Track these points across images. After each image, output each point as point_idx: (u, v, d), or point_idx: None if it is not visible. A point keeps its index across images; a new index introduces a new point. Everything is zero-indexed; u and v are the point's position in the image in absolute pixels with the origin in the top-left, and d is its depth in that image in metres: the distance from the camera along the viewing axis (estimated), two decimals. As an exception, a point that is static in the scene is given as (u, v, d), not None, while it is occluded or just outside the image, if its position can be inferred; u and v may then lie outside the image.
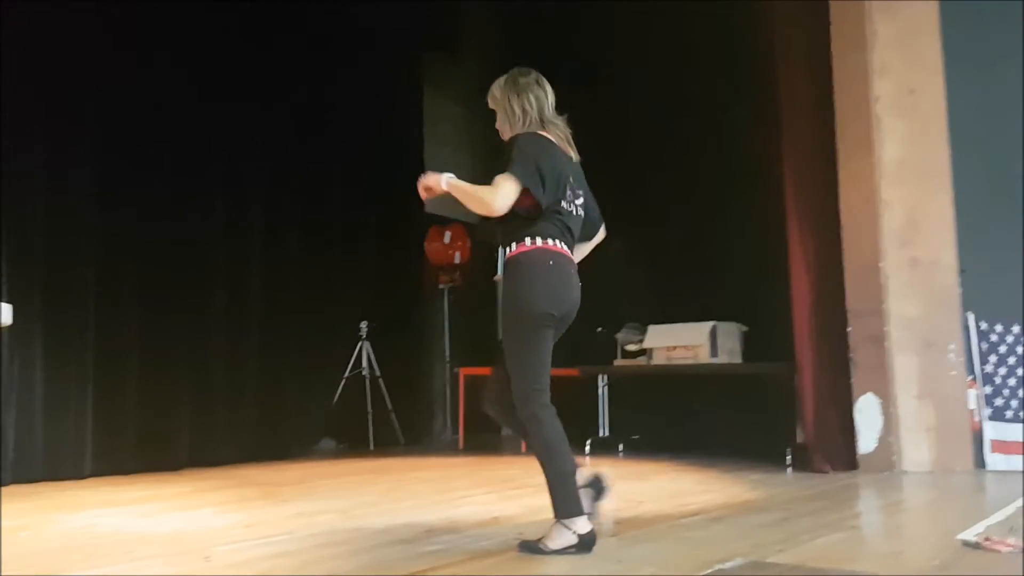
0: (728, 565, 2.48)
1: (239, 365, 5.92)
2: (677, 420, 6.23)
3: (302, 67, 6.43)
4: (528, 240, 2.70)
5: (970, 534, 2.85)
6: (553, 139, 2.79)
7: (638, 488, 4.38)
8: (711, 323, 5.73)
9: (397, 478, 5.03)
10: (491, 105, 2.91)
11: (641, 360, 6.14)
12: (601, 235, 3.03)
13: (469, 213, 2.97)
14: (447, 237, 8.07)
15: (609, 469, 5.26)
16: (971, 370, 4.83)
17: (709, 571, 2.42)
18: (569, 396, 6.92)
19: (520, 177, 2.65)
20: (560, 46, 7.06)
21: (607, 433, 6.36)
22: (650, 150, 6.55)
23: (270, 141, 6.23)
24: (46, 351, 4.80)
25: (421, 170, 7.99)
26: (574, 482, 2.65)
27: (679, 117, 6.36)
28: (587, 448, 6.17)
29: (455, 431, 7.64)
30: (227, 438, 5.73)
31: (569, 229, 2.79)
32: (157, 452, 5.24)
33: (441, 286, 8.19)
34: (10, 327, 4.56)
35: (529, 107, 2.79)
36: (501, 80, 2.88)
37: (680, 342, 5.80)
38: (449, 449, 6.98)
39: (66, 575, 2.48)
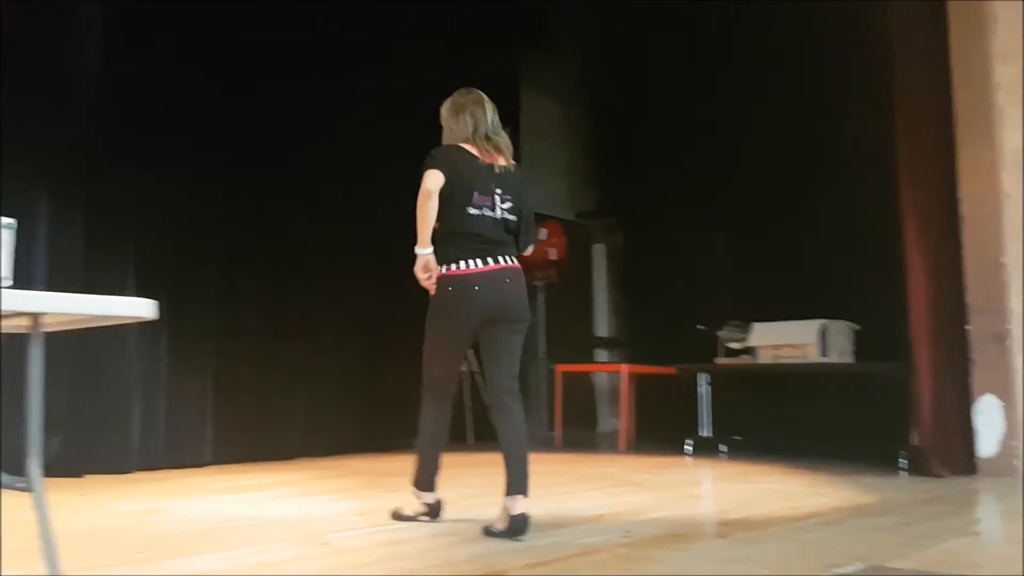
0: (848, 569, 2.42)
1: (347, 359, 6.11)
2: (783, 421, 6.05)
3: (401, 65, 6.55)
4: (442, 267, 3.01)
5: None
6: (474, 151, 3.08)
7: (745, 490, 4.31)
8: (820, 321, 5.56)
9: (499, 472, 5.05)
10: (441, 121, 3.23)
11: (745, 359, 6.01)
12: (528, 252, 3.23)
13: None
14: (543, 234, 8.10)
15: (712, 470, 5.26)
16: (1104, 372, 4.54)
17: (827, 574, 2.36)
18: (667, 395, 6.93)
19: (434, 167, 2.97)
20: (657, 40, 7.00)
21: (709, 433, 6.25)
22: (755, 140, 6.38)
23: (381, 139, 6.36)
24: (170, 346, 5.08)
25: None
26: (436, 466, 3.23)
27: (785, 105, 6.17)
28: (687, 448, 6.08)
29: (551, 427, 7.67)
30: (335, 429, 5.93)
31: (479, 235, 3.02)
32: (270, 442, 5.48)
33: (536, 283, 8.23)
34: (136, 324, 4.86)
35: (458, 126, 3.13)
36: (447, 101, 3.22)
37: (787, 340, 5.65)
38: (546, 445, 7.01)
39: (195, 557, 2.62)
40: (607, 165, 8.16)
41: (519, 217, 3.13)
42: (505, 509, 2.98)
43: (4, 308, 1.56)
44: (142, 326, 4.92)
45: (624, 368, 6.82)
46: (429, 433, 3.21)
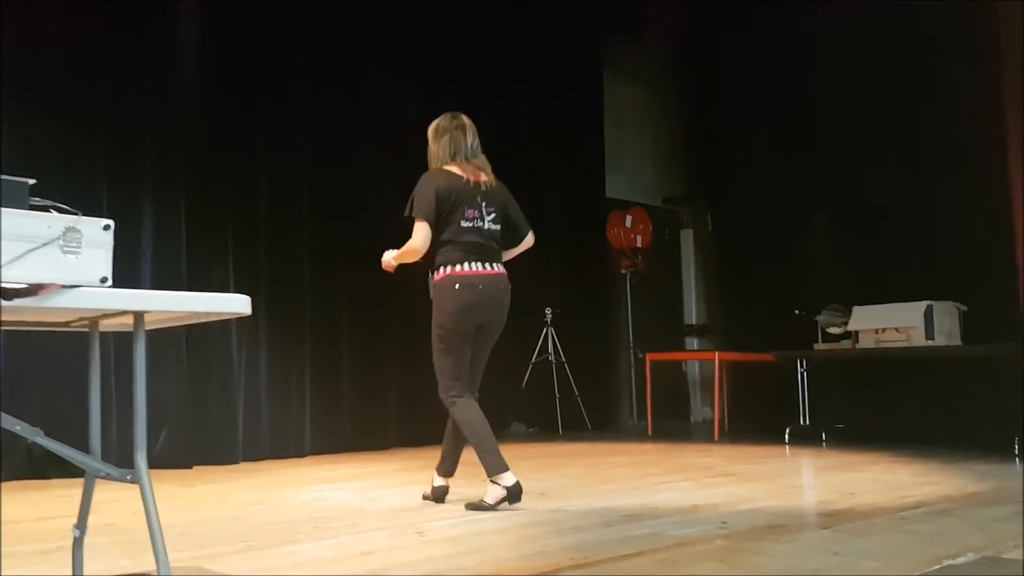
0: (960, 561, 2.29)
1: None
2: (887, 408, 5.79)
3: (485, 52, 6.56)
4: (441, 269, 3.36)
5: None
6: (457, 170, 3.40)
7: (849, 479, 4.15)
8: (925, 302, 5.29)
9: (591, 462, 5.06)
10: (429, 139, 3.54)
11: (845, 344, 5.79)
12: (528, 241, 3.61)
13: None
14: (628, 221, 8.01)
15: (812, 460, 5.09)
16: None
17: (938, 567, 2.24)
18: (765, 382, 6.74)
19: (423, 216, 3.33)
20: (740, 24, 6.77)
21: (807, 422, 6.06)
22: (854, 116, 6.11)
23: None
24: (270, 341, 5.26)
25: (602, 154, 8.06)
26: (494, 446, 3.33)
27: (886, 81, 5.88)
28: (786, 437, 5.91)
29: (641, 417, 7.59)
30: (430, 421, 5.98)
31: (474, 243, 3.36)
32: (368, 433, 5.61)
33: (623, 271, 8.15)
34: (237, 321, 5.04)
35: (440, 148, 3.46)
36: (433, 123, 3.55)
37: (891, 323, 5.41)
38: (637, 435, 6.94)
39: (296, 546, 2.69)
40: (695, 149, 7.98)
41: (504, 226, 3.48)
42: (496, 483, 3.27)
43: (108, 307, 1.62)
44: (244, 321, 5.11)
45: (717, 356, 6.68)
46: (470, 422, 3.36)
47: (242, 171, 5.22)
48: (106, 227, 1.61)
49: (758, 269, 6.24)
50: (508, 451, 5.54)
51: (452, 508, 3.35)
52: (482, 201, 3.42)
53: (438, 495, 3.48)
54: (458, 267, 3.34)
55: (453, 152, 3.45)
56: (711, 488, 3.89)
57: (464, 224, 3.37)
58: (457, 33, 6.37)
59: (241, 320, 5.06)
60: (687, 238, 8.74)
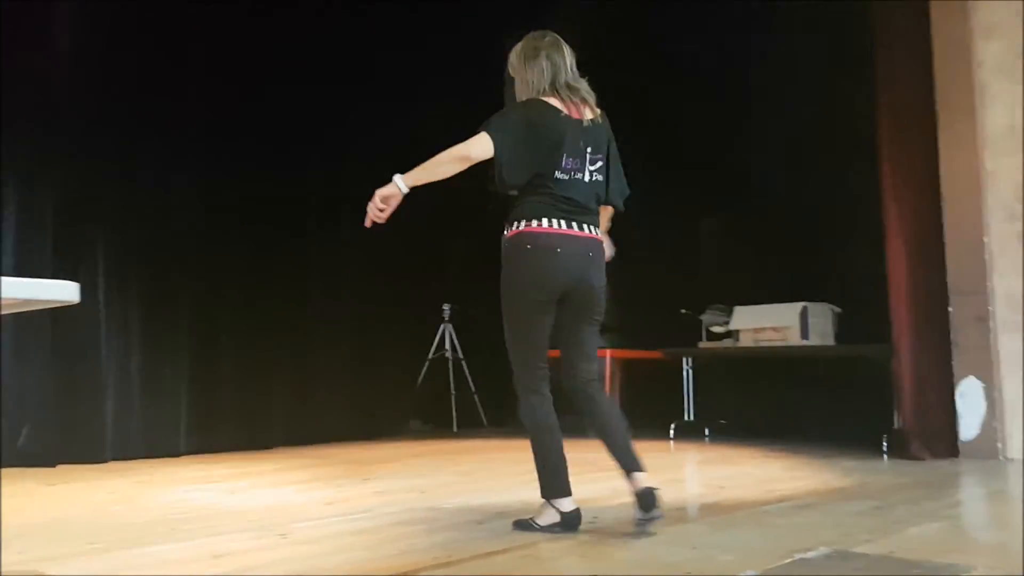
0: (811, 554, 2.37)
1: (330, 347, 6.05)
2: (766, 405, 6.01)
3: (408, 50, 6.42)
4: (514, 225, 2.70)
5: (1081, 527, 2.64)
6: (558, 104, 2.71)
7: (722, 473, 4.26)
8: (801, 304, 5.50)
9: (479, 459, 5.04)
10: (510, 72, 2.83)
11: (728, 342, 5.96)
12: (615, 208, 2.91)
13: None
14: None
15: (694, 454, 5.21)
16: (1086, 352, 4.49)
17: (789, 560, 2.31)
18: (652, 379, 6.87)
19: (494, 131, 2.63)
20: (634, 26, 6.86)
21: (692, 418, 6.21)
22: (735, 122, 6.29)
23: (360, 126, 6.29)
24: (144, 331, 5.02)
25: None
26: (559, 463, 2.74)
27: (767, 85, 6.08)
28: (671, 432, 6.04)
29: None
30: (319, 418, 5.87)
31: (568, 199, 2.69)
32: (250, 431, 5.42)
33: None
34: (108, 311, 4.81)
35: (535, 75, 2.73)
36: (518, 46, 2.81)
37: (768, 323, 5.60)
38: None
39: (148, 547, 2.57)
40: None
41: (606, 176, 2.78)
42: (632, 491, 2.66)
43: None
44: (117, 312, 4.88)
45: (609, 353, 6.76)
46: (539, 427, 2.75)
47: (118, 154, 4.96)
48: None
49: (648, 269, 6.34)
50: (401, 448, 5.57)
51: (326, 508, 3.26)
52: (586, 147, 2.72)
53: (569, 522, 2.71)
54: (534, 223, 2.65)
55: (552, 77, 2.72)
56: (590, 483, 3.90)
57: (559, 176, 2.67)
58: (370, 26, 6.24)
59: (112, 308, 4.84)
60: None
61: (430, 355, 6.96)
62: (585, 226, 2.71)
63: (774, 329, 5.55)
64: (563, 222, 2.67)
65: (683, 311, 6.10)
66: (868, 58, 4.89)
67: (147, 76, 5.09)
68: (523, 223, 2.67)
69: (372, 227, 2.72)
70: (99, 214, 4.87)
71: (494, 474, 4.33)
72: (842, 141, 5.51)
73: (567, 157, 2.67)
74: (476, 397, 7.10)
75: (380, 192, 2.66)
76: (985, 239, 4.59)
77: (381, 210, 2.67)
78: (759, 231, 6.22)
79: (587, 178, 2.72)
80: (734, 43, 6.22)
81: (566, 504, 2.71)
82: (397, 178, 2.66)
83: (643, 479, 2.64)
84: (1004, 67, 4.65)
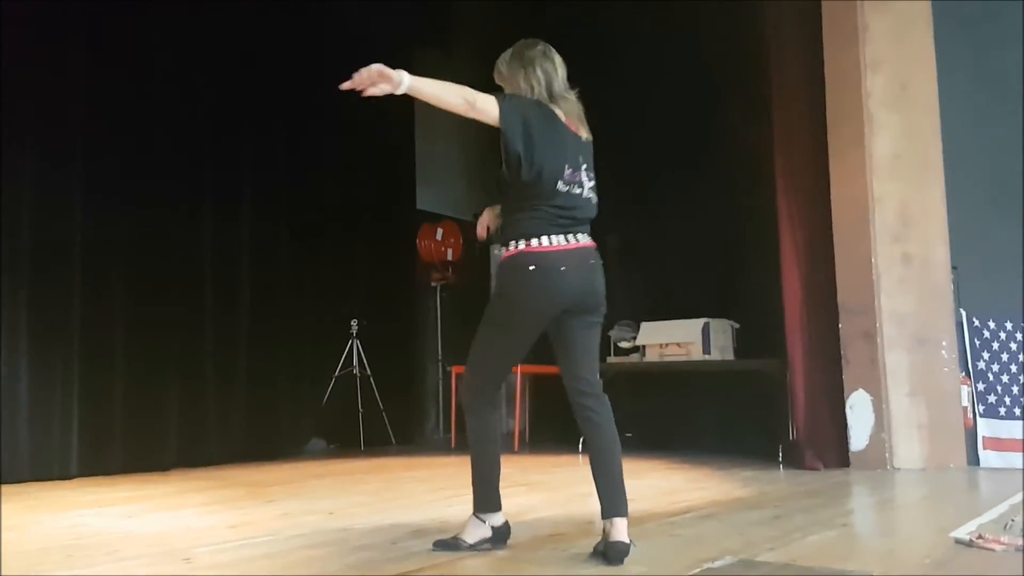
0: (718, 563, 2.45)
1: (228, 364, 5.87)
2: (670, 418, 6.20)
3: (292, 65, 6.38)
4: (513, 244, 2.62)
5: (963, 532, 2.82)
6: (561, 115, 2.64)
7: (629, 486, 4.31)
8: (703, 320, 5.70)
9: (388, 478, 4.98)
10: (498, 82, 2.74)
11: (634, 358, 6.10)
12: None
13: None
14: (439, 234, 8.03)
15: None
16: (964, 367, 4.81)
17: (699, 570, 2.38)
18: (561, 394, 6.91)
19: (501, 99, 2.53)
20: (554, 41, 6.99)
21: (599, 431, 6.31)
22: (641, 146, 6.50)
23: (260, 139, 6.19)
24: (31, 351, 4.74)
25: (413, 167, 8.07)
26: (495, 478, 2.73)
27: (671, 113, 6.31)
28: (580, 447, 6.12)
29: (447, 430, 7.61)
30: (216, 439, 5.68)
31: (564, 211, 2.61)
32: (145, 453, 5.19)
33: (433, 284, 8.15)
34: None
35: (537, 83, 2.65)
36: (507, 54, 2.74)
37: (673, 339, 5.78)
38: (441, 448, 6.94)
39: (45, 574, 2.44)
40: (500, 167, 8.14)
41: (596, 196, 2.73)
42: (604, 533, 2.57)
43: None
44: (2, 329, 4.60)
45: (519, 368, 6.81)
46: (488, 439, 2.72)
47: (8, 172, 4.69)
48: None
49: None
50: (304, 469, 5.45)
51: (229, 531, 3.16)
52: (583, 162, 2.65)
53: (499, 535, 2.73)
54: (535, 241, 2.57)
55: (547, 89, 2.63)
56: (504, 499, 3.93)
57: (560, 187, 2.58)
58: (264, 45, 6.13)
59: (-1, 326, 4.57)
60: (496, 254, 8.87)
61: (336, 372, 6.85)
62: (579, 236, 2.65)
63: (678, 344, 5.73)
64: (561, 237, 2.61)
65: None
66: (765, 84, 5.14)
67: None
68: (522, 242, 2.60)
69: (341, 91, 2.48)
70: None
71: (405, 492, 4.29)
72: (741, 163, 5.76)
73: (568, 168, 2.61)
74: (384, 415, 7.02)
75: (383, 68, 2.45)
76: (872, 260, 4.87)
77: (371, 84, 2.45)
78: (664, 251, 6.43)
79: (585, 193, 2.67)
80: (642, 74, 6.44)
81: (497, 519, 2.72)
82: (405, 74, 2.47)
83: (620, 530, 2.54)
84: (887, 99, 4.96)
